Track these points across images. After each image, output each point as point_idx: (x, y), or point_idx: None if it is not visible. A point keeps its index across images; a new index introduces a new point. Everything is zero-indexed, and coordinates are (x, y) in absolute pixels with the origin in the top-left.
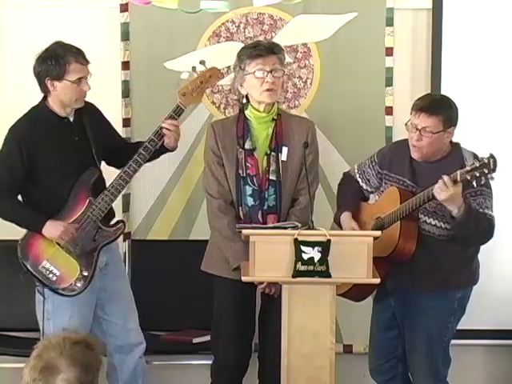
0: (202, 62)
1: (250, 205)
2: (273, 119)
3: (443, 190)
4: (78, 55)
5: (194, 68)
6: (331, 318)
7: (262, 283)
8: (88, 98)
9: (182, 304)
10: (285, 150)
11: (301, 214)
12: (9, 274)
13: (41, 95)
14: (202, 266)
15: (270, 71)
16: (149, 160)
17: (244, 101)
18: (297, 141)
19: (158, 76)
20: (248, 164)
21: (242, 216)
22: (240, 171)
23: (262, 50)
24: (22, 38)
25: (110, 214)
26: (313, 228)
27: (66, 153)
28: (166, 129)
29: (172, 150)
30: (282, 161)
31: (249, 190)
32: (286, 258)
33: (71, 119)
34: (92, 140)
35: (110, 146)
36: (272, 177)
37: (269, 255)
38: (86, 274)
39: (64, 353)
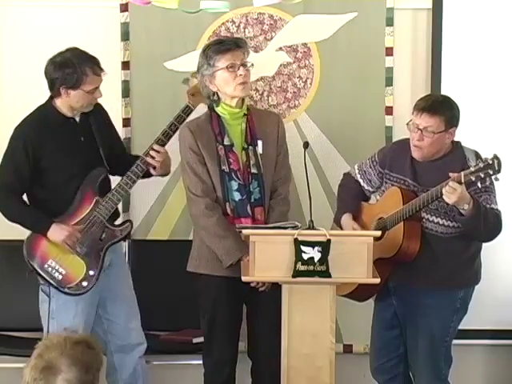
0: (185, 81)
1: (237, 199)
2: (244, 114)
3: (452, 193)
4: (96, 66)
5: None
6: (331, 317)
7: None
8: None
9: (181, 304)
10: (260, 143)
11: (284, 204)
12: (9, 274)
13: (40, 96)
14: (189, 267)
15: (241, 64)
16: None
17: (215, 98)
18: (269, 133)
19: (158, 76)
20: (230, 159)
21: (229, 211)
22: (224, 167)
23: (229, 44)
24: (22, 37)
25: (115, 214)
26: (313, 228)
27: (72, 152)
28: (151, 157)
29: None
30: (260, 154)
31: (234, 184)
32: (286, 258)
33: (77, 119)
34: (98, 140)
35: (111, 149)
36: (253, 170)
37: (269, 255)
38: (92, 273)
39: (65, 353)
